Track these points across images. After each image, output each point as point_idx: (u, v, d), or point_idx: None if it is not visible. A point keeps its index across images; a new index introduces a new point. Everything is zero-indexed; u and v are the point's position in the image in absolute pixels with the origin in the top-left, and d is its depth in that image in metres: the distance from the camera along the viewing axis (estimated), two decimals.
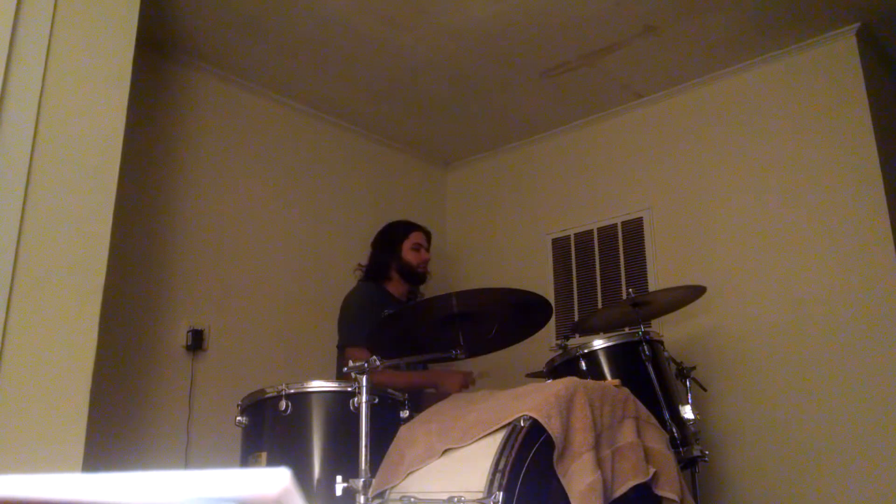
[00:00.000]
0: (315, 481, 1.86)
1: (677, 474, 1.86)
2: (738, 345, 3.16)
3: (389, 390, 2.02)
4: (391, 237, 3.01)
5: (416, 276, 2.95)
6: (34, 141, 2.00)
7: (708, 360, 3.13)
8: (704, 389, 2.73)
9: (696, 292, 2.67)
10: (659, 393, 2.32)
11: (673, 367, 2.54)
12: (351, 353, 2.50)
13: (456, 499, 1.55)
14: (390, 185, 4.12)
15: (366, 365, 1.75)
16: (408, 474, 1.70)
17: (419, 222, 3.11)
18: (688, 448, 2.30)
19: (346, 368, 1.80)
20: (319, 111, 3.77)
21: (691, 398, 2.53)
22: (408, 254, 2.95)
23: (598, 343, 2.42)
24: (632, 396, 1.91)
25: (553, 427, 1.60)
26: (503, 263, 4.09)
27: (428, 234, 3.06)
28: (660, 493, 1.80)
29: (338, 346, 2.84)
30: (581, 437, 1.64)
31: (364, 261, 3.08)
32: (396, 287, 2.95)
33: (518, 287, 2.07)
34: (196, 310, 3.10)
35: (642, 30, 3.10)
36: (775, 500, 2.93)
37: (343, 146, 3.91)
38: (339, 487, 1.76)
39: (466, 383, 2.65)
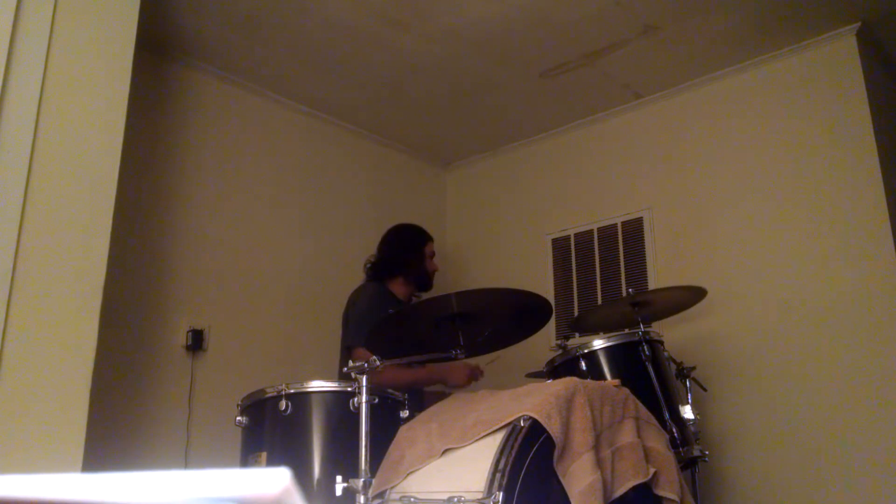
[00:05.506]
0: (315, 481, 1.86)
1: (677, 474, 1.86)
2: (738, 345, 3.16)
3: (389, 390, 2.02)
4: (413, 242, 2.97)
5: (428, 284, 2.97)
6: (34, 141, 2.00)
7: (708, 360, 3.13)
8: (704, 389, 2.73)
9: (696, 295, 2.67)
10: (659, 393, 2.32)
11: (673, 367, 2.54)
12: (358, 354, 2.48)
13: (456, 499, 1.55)
14: (390, 185, 4.12)
15: (366, 365, 1.76)
16: (408, 474, 1.70)
17: (419, 222, 3.10)
18: (688, 448, 2.30)
19: (346, 368, 1.81)
20: (319, 111, 3.77)
21: (691, 398, 2.53)
22: (427, 261, 2.97)
23: (598, 343, 2.41)
24: (632, 396, 1.91)
25: (553, 427, 1.60)
26: (503, 263, 4.09)
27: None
28: (660, 493, 1.80)
29: (345, 346, 2.77)
30: (581, 438, 1.64)
31: (371, 258, 2.99)
32: (400, 289, 2.91)
33: (518, 287, 2.07)
34: (196, 310, 3.10)
35: (642, 30, 3.10)
36: (775, 499, 2.93)
37: (343, 146, 3.91)
38: (339, 487, 1.76)
39: (474, 376, 2.62)
